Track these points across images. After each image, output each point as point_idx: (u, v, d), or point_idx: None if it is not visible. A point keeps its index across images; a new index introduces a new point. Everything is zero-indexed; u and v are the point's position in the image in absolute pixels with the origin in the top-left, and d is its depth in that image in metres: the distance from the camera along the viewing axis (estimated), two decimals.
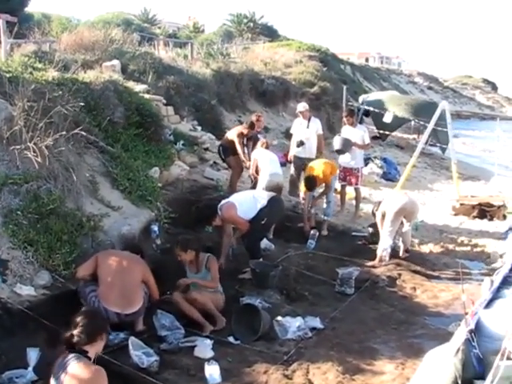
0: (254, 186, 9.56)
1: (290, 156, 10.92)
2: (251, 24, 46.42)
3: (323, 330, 6.10)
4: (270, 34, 45.47)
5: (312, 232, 9.07)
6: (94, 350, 3.79)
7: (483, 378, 4.08)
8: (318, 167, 9.61)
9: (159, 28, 40.80)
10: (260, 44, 32.22)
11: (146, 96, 11.50)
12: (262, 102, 19.18)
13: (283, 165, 10.78)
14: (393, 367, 5.29)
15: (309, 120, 10.85)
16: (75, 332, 3.71)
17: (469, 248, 9.56)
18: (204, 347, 5.44)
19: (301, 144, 10.67)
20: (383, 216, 8.47)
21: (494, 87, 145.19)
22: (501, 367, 4.08)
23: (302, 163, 10.72)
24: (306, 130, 10.76)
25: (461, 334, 4.17)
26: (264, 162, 9.25)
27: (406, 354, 5.56)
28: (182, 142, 11.67)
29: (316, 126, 10.88)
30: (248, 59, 22.89)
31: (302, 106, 11.01)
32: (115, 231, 7.18)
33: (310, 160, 10.42)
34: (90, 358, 3.69)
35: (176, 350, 5.47)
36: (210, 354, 5.35)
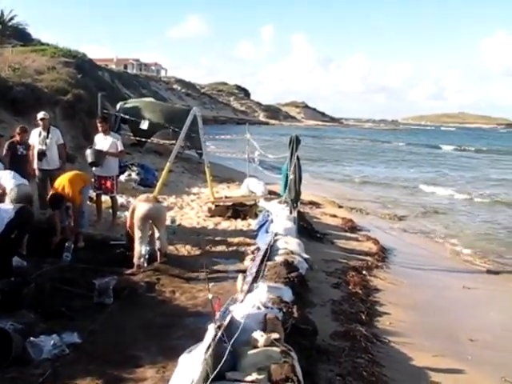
0: None
1: (33, 169, 10.38)
2: None
3: (82, 344, 5.88)
4: (22, 37, 42.86)
5: (67, 244, 8.73)
6: None
7: (236, 369, 4.29)
8: (64, 182, 9.12)
9: None
10: (9, 48, 30.17)
11: None
12: (12, 110, 17.90)
13: None
14: (154, 372, 5.31)
15: (48, 130, 10.49)
16: None
17: (225, 247, 9.99)
18: None
19: (43, 156, 10.29)
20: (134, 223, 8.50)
21: (247, 93, 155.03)
22: (249, 356, 4.34)
23: (46, 175, 10.42)
24: (46, 141, 10.41)
25: (210, 331, 4.32)
26: (6, 176, 8.66)
27: (167, 357, 5.60)
28: None
29: (56, 135, 10.58)
30: None
31: (43, 114, 10.68)
32: None
33: (54, 171, 10.10)
34: None
35: None
36: None
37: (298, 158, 11.17)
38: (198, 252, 9.58)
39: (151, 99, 29.75)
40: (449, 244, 13.78)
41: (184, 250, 9.61)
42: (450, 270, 11.39)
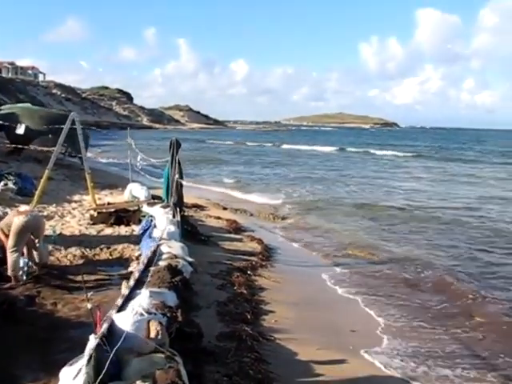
0: None
1: None
2: None
3: None
4: None
5: None
6: None
7: (120, 378, 4.24)
8: None
9: None
10: None
11: None
12: None
13: None
14: None
15: None
16: None
17: (108, 254, 9.81)
18: None
19: None
20: (6, 235, 8.12)
21: (130, 98, 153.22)
22: (133, 364, 4.31)
23: None
24: None
25: (91, 341, 4.25)
26: None
27: (49, 372, 5.41)
28: None
29: None
30: None
31: None
32: None
33: None
34: None
35: None
36: None
37: (178, 162, 11.17)
38: (80, 261, 9.34)
39: (28, 105, 28.59)
40: (329, 240, 14.31)
41: (66, 259, 9.32)
42: (331, 265, 11.84)
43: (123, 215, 12.24)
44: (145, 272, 7.31)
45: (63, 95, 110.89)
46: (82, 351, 4.48)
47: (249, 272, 9.90)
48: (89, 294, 5.04)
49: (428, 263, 12.09)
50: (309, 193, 24.59)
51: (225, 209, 17.43)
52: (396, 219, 17.94)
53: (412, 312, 9.06)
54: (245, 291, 8.63)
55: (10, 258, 8.02)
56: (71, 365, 4.28)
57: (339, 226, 16.36)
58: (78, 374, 3.97)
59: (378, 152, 62.40)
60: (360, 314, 8.80)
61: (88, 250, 9.94)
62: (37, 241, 8.39)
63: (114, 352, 4.31)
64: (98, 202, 13.25)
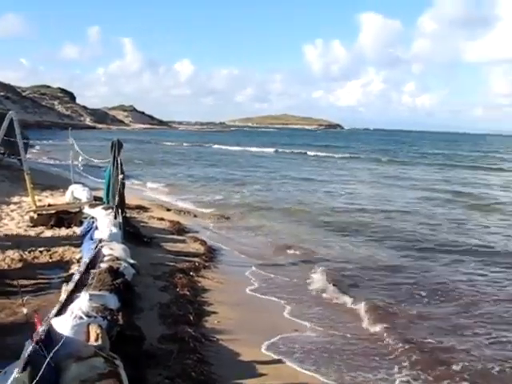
0: None
1: None
2: None
3: None
4: None
5: None
6: None
7: None
8: None
9: None
10: None
11: None
12: None
13: None
14: None
15: None
16: None
17: (48, 257, 9.60)
18: None
19: None
20: None
21: (72, 97, 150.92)
22: (72, 369, 4.24)
23: None
24: None
25: (27, 347, 4.15)
26: None
27: None
28: None
29: None
30: None
31: None
32: None
33: None
34: None
35: None
36: None
37: (121, 163, 11.03)
38: (19, 264, 9.10)
39: None
40: (271, 241, 14.37)
41: (3, 263, 9.07)
42: (274, 264, 11.90)
43: (64, 217, 12.02)
44: (85, 274, 7.21)
45: (2, 93, 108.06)
46: (19, 358, 4.38)
47: (192, 273, 9.88)
48: (25, 298, 4.92)
49: (364, 265, 12.19)
50: (250, 193, 24.59)
51: (168, 210, 17.31)
52: (334, 220, 18.11)
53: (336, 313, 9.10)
54: (188, 293, 8.61)
55: None
56: (5, 373, 4.17)
57: (281, 227, 16.42)
58: (13, 381, 3.87)
59: (320, 153, 62.54)
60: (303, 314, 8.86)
61: (27, 252, 9.70)
62: None
63: (51, 357, 4.24)
64: (38, 203, 13.00)
